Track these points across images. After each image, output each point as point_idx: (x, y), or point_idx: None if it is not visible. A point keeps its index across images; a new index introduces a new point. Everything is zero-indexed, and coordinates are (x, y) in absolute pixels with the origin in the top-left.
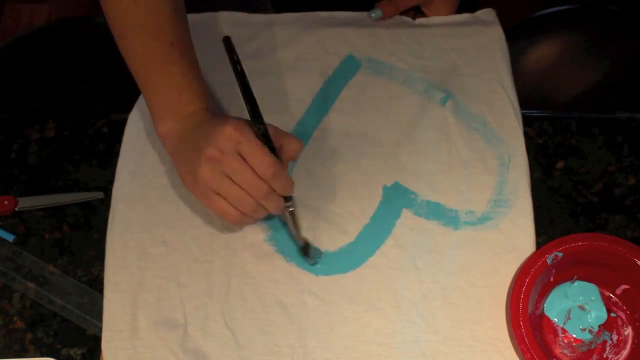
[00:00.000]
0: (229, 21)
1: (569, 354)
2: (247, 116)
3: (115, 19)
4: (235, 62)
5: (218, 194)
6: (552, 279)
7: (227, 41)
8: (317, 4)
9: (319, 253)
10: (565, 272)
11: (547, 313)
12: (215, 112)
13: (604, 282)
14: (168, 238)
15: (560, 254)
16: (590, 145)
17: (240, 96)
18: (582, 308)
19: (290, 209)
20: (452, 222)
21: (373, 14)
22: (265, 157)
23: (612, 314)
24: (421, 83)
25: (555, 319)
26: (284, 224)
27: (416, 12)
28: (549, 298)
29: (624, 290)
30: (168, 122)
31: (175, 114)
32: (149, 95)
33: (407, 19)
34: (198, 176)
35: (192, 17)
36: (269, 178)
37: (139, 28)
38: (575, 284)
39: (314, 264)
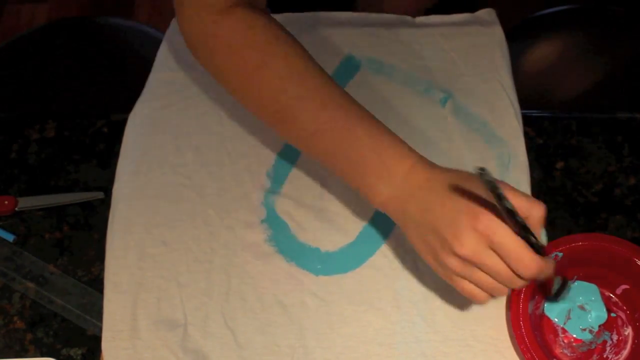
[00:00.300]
0: None
1: (569, 354)
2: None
3: (266, 102)
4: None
5: (466, 279)
6: None
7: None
8: (308, 3)
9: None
10: (565, 272)
11: (547, 313)
12: (435, 170)
13: (604, 282)
14: (168, 238)
15: (560, 254)
16: (590, 145)
17: (232, 100)
18: (582, 308)
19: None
20: None
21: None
22: (525, 258)
23: (612, 314)
24: (421, 83)
25: (556, 319)
26: (285, 225)
27: None
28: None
29: (624, 290)
30: (381, 189)
31: (384, 180)
32: (344, 170)
33: (408, 18)
34: (445, 265)
35: None
36: (531, 277)
37: (300, 102)
38: (576, 284)
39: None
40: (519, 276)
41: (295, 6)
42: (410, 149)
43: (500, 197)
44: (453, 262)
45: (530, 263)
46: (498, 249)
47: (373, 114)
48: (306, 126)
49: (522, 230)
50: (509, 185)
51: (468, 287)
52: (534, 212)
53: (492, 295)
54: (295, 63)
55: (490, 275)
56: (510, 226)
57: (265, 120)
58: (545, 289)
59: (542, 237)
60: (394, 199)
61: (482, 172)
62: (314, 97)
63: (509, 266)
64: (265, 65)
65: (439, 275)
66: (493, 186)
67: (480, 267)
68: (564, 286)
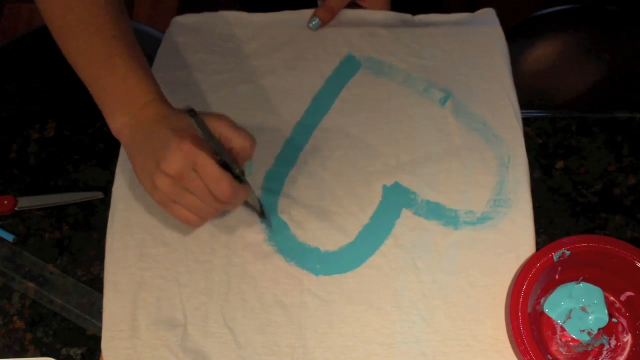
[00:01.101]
0: (228, 21)
1: (564, 353)
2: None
3: (54, 18)
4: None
5: (177, 202)
6: (557, 277)
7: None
8: (280, 3)
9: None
10: (571, 272)
11: (548, 310)
12: (169, 109)
13: (609, 287)
14: (168, 238)
15: (568, 253)
16: (590, 145)
17: (232, 100)
18: (584, 310)
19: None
20: (452, 222)
21: (311, 24)
22: (223, 179)
23: (614, 320)
24: (421, 83)
25: (556, 317)
26: (285, 225)
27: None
28: (552, 295)
29: (629, 297)
30: (119, 117)
31: (124, 109)
32: (96, 92)
33: (408, 16)
34: (157, 187)
35: (192, 17)
36: (227, 199)
37: (79, 24)
38: (581, 285)
39: (269, 224)
40: (220, 200)
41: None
42: (156, 88)
43: (203, 132)
44: (163, 182)
45: (226, 186)
46: (200, 172)
47: (143, 55)
48: (77, 46)
49: (222, 158)
50: (225, 121)
51: (180, 212)
52: (237, 143)
53: (203, 218)
54: None
55: (197, 197)
56: (214, 157)
57: (53, 34)
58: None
59: (247, 166)
60: (128, 127)
61: (190, 111)
62: (92, 23)
63: (209, 189)
64: None
65: (156, 202)
66: (198, 121)
67: (186, 188)
68: (261, 205)
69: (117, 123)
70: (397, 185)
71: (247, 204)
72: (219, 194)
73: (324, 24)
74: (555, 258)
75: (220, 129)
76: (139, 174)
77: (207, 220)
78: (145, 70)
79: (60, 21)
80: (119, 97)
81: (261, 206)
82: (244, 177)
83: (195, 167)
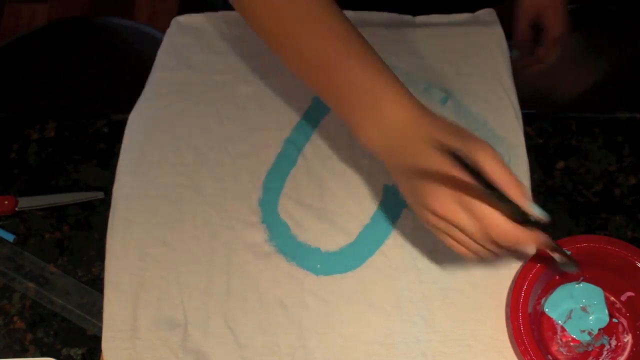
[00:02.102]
0: (229, 21)
1: (565, 353)
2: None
3: (269, 25)
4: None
5: (449, 235)
6: (557, 277)
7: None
8: None
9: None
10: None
11: (548, 310)
12: (425, 116)
13: (610, 287)
14: (168, 238)
15: (568, 252)
16: (590, 145)
17: (232, 100)
18: (584, 310)
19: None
20: None
21: (513, 55)
22: (500, 223)
23: (614, 320)
24: (421, 83)
25: (556, 317)
26: (285, 225)
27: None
28: (552, 295)
29: (629, 298)
30: (368, 131)
31: (372, 121)
32: (334, 102)
33: (408, 17)
34: (424, 220)
35: (192, 17)
36: (509, 246)
37: (303, 29)
38: (581, 285)
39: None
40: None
41: None
42: (404, 93)
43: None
44: (430, 218)
45: (506, 229)
46: (472, 210)
47: (374, 50)
48: (306, 55)
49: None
50: (496, 161)
51: (450, 241)
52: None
53: (477, 254)
54: None
55: (466, 234)
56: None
57: (268, 45)
58: (553, 263)
59: (533, 206)
60: (381, 140)
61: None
62: (317, 26)
63: (484, 229)
64: None
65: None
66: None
67: (453, 224)
68: (569, 258)
69: (368, 138)
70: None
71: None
72: (498, 236)
73: (522, 52)
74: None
75: (492, 171)
76: (408, 199)
77: (482, 257)
78: (385, 70)
79: (274, 29)
80: (364, 107)
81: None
82: (533, 219)
83: (465, 205)
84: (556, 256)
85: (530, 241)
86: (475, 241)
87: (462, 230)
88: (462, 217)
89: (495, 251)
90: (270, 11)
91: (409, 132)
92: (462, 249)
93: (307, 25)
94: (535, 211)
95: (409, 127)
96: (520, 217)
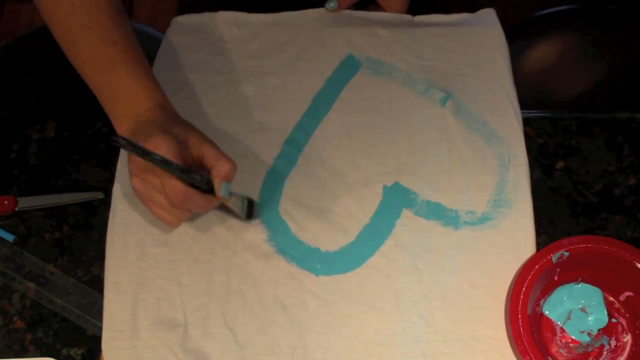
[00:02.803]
0: (228, 21)
1: (565, 354)
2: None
3: (56, 22)
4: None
5: (152, 201)
6: (556, 278)
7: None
8: (260, 3)
9: (257, 206)
10: (570, 273)
11: (547, 311)
12: (164, 114)
13: (608, 287)
14: (168, 238)
15: (566, 254)
16: (590, 145)
17: (232, 100)
18: (583, 310)
19: (228, 202)
20: (452, 222)
21: (329, 6)
22: (170, 182)
23: (613, 320)
24: (421, 83)
25: (555, 318)
26: (285, 225)
27: (375, 5)
28: (551, 296)
29: (628, 297)
30: (124, 123)
31: (127, 115)
32: (101, 98)
33: (408, 17)
34: (132, 186)
35: (192, 17)
36: (180, 203)
37: (81, 29)
38: (580, 285)
39: (254, 219)
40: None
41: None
42: (159, 93)
43: (146, 157)
44: (135, 181)
45: (175, 187)
46: (156, 172)
47: (145, 58)
48: (81, 53)
49: (181, 172)
50: (208, 144)
51: (157, 210)
52: (220, 165)
53: (177, 217)
54: None
55: (161, 193)
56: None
57: (56, 39)
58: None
59: (222, 186)
60: (131, 132)
61: (117, 141)
62: (94, 29)
63: (165, 193)
64: None
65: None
66: (136, 151)
67: (150, 183)
68: (251, 206)
69: (123, 128)
70: (397, 185)
71: (229, 211)
72: (170, 193)
73: (340, 7)
74: (554, 259)
75: (203, 150)
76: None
77: (182, 220)
78: (148, 76)
79: (62, 25)
80: (123, 104)
81: (250, 208)
82: (205, 187)
83: (158, 177)
84: (231, 204)
85: (199, 200)
86: (162, 200)
87: (152, 187)
88: (152, 176)
89: (176, 210)
90: (58, 22)
91: (148, 120)
92: (166, 215)
93: (89, 33)
94: (224, 188)
95: (148, 117)
96: (200, 186)
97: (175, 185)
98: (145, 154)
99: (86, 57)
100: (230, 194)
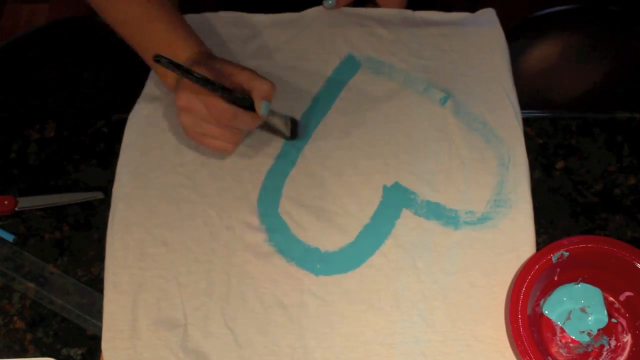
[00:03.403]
0: (228, 21)
1: (564, 354)
2: None
3: None
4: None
5: (203, 134)
6: (556, 278)
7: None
8: (260, 3)
9: (300, 125)
10: (570, 273)
11: (547, 311)
12: (204, 56)
13: (608, 287)
14: (168, 238)
15: (566, 254)
16: (590, 145)
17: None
18: (583, 310)
19: (272, 120)
20: (452, 222)
21: (326, 3)
22: (216, 103)
23: (613, 320)
24: (421, 83)
25: (555, 318)
26: (285, 225)
27: (373, 4)
28: (551, 297)
29: (628, 297)
30: (169, 75)
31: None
32: (143, 55)
33: (408, 12)
34: (181, 123)
35: (192, 17)
36: (228, 122)
37: None
38: (579, 285)
39: (299, 137)
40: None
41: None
42: (197, 41)
43: (186, 75)
44: (182, 117)
45: (220, 107)
46: (201, 99)
47: (180, 14)
48: (119, 16)
49: (222, 91)
50: (244, 70)
51: (210, 141)
52: (260, 85)
53: (231, 142)
54: None
55: (212, 124)
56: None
57: (93, 6)
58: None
59: (263, 105)
60: (174, 81)
61: (159, 60)
62: None
63: (210, 111)
64: None
65: (192, 140)
66: (179, 71)
67: (196, 114)
68: (295, 125)
69: (169, 81)
70: (397, 185)
71: (272, 130)
72: (216, 114)
73: (338, 5)
74: (554, 259)
75: (241, 76)
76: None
77: (236, 144)
78: (184, 27)
79: None
80: (166, 54)
81: (294, 128)
82: (247, 104)
83: (199, 97)
84: (274, 122)
85: (244, 116)
86: (220, 130)
87: (202, 117)
88: (199, 106)
89: (227, 133)
90: None
91: (192, 65)
92: (220, 143)
93: None
94: (264, 107)
95: (190, 64)
96: (243, 104)
97: (220, 105)
98: (187, 72)
99: (124, 20)
100: (271, 111)
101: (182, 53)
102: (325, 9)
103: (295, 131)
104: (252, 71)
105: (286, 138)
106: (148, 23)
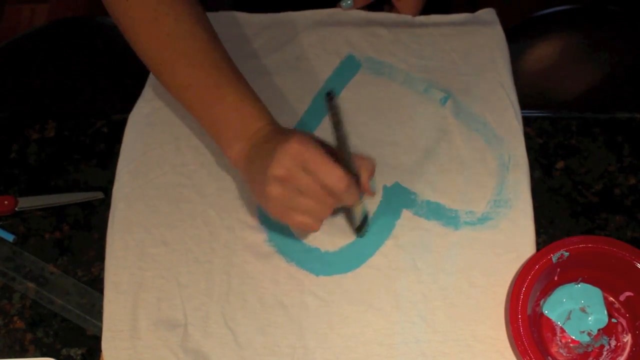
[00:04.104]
0: (228, 21)
1: (564, 354)
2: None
3: (153, 54)
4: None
5: (292, 209)
6: (556, 278)
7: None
8: (278, 3)
9: (368, 223)
10: (570, 273)
11: (547, 311)
12: (280, 128)
13: (608, 287)
14: (168, 238)
15: (566, 254)
16: (590, 145)
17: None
18: (583, 310)
19: (358, 205)
20: (452, 223)
21: (344, 3)
22: (334, 170)
23: (613, 320)
24: (421, 83)
25: (555, 318)
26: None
27: (390, 6)
28: (551, 297)
29: (628, 297)
30: (234, 145)
31: (239, 136)
32: (209, 124)
33: (408, 17)
34: (269, 196)
35: None
36: (341, 192)
37: (181, 59)
38: (579, 285)
39: (362, 235)
40: (332, 196)
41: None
42: (267, 111)
43: (336, 124)
44: (274, 188)
45: (340, 176)
46: (310, 166)
47: (245, 78)
48: (182, 80)
49: (348, 151)
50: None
51: (297, 218)
52: (364, 162)
53: (319, 218)
54: (183, 22)
55: (310, 197)
56: (338, 153)
57: (150, 69)
58: (351, 221)
59: (371, 181)
60: (244, 153)
61: (329, 95)
62: (194, 56)
63: (321, 183)
64: (156, 22)
65: (273, 216)
66: (333, 109)
67: (298, 189)
68: (365, 221)
69: (233, 151)
70: (397, 185)
71: (350, 213)
72: (332, 183)
73: (355, 5)
74: (554, 259)
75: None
76: (255, 192)
77: (322, 220)
78: (254, 95)
79: (160, 57)
80: (234, 125)
81: (363, 223)
82: (357, 177)
83: (304, 165)
84: (355, 210)
85: (356, 190)
86: (314, 204)
87: (305, 191)
88: (300, 175)
89: (330, 202)
90: (155, 54)
91: (263, 137)
92: (308, 220)
93: (190, 61)
94: (370, 186)
95: (262, 135)
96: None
97: (339, 173)
98: (338, 122)
99: (188, 84)
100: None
101: (255, 122)
102: (342, 9)
103: (362, 227)
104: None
105: (352, 229)
106: (217, 88)
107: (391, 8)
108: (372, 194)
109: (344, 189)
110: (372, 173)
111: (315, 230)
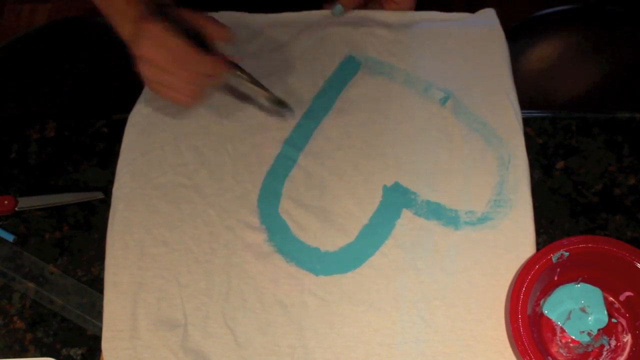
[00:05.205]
0: (228, 21)
1: (564, 354)
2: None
3: None
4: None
5: (163, 85)
6: (556, 278)
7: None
8: (278, 3)
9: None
10: (570, 273)
11: (547, 311)
12: (153, 8)
13: (608, 287)
14: (168, 238)
15: (566, 254)
16: (590, 145)
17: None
18: (583, 310)
19: (239, 74)
20: (452, 222)
21: (334, 11)
22: (178, 48)
23: (613, 320)
24: (421, 83)
25: (555, 318)
26: (285, 225)
27: (377, 5)
28: (551, 297)
29: (628, 297)
30: (125, 27)
31: (127, 18)
32: (102, 8)
33: (407, 16)
34: (142, 75)
35: None
36: (191, 64)
37: None
38: (579, 285)
39: (290, 110)
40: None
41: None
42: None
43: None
44: (142, 67)
45: (184, 51)
46: (164, 46)
47: None
48: None
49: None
50: (200, 15)
51: (168, 92)
52: (214, 29)
53: (190, 96)
54: None
55: (171, 74)
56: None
57: None
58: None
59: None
60: (132, 34)
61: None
62: None
63: (173, 58)
64: None
65: (150, 90)
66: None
67: (156, 65)
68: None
69: (125, 32)
70: (397, 185)
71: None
72: (180, 61)
73: (346, 11)
74: (554, 259)
75: (193, 20)
76: (140, 68)
77: (196, 99)
78: None
79: None
80: (120, 9)
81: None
82: (216, 50)
83: (163, 45)
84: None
85: (209, 62)
86: (177, 80)
87: (162, 68)
88: (159, 56)
89: (187, 77)
90: None
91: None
92: (178, 95)
93: None
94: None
95: (146, 13)
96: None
97: (183, 47)
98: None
99: None
100: (239, 75)
101: (137, 6)
102: (333, 17)
103: (284, 103)
104: (209, 17)
105: (272, 101)
106: None
107: (379, 7)
108: (227, 36)
109: (192, 62)
110: (226, 38)
111: (188, 105)
